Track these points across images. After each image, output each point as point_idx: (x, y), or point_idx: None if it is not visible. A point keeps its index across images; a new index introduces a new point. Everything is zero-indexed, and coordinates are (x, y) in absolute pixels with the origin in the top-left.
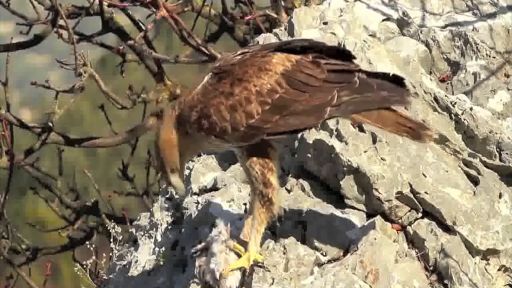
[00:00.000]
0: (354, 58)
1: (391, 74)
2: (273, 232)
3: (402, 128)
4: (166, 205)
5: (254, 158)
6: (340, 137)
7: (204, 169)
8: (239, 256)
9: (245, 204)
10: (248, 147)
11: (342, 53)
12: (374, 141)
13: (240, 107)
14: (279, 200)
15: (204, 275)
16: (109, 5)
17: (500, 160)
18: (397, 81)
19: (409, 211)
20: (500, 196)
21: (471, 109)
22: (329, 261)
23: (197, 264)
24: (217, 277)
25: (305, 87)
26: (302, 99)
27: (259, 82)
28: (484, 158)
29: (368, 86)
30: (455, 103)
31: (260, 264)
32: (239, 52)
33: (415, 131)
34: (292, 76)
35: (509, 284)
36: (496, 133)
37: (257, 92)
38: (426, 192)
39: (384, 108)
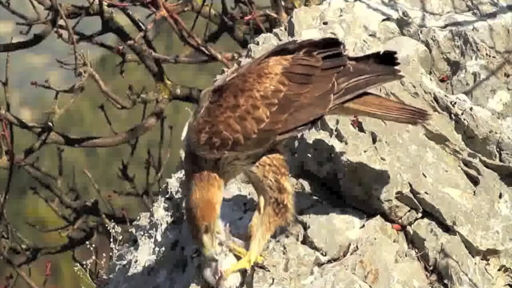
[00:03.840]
0: (341, 44)
1: (381, 52)
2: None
3: (405, 112)
4: (166, 205)
5: (267, 167)
6: (340, 137)
7: None
8: (238, 257)
9: (245, 204)
10: (259, 158)
11: (328, 43)
12: (374, 141)
13: (248, 115)
14: (293, 206)
15: (204, 276)
16: (109, 5)
17: (500, 160)
18: (389, 57)
19: (409, 211)
20: (500, 196)
21: (471, 109)
22: (329, 261)
23: (196, 264)
24: (217, 277)
25: (306, 78)
26: (306, 91)
27: (262, 87)
28: (484, 158)
29: (361, 70)
30: (455, 103)
31: (260, 265)
32: (229, 71)
33: (418, 113)
34: (292, 71)
35: (509, 284)
36: (496, 133)
37: (262, 97)
38: (426, 192)
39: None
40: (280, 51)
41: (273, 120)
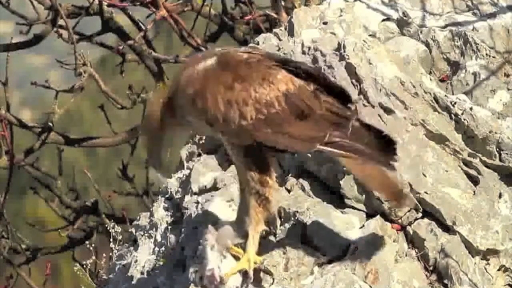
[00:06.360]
0: (352, 101)
1: (384, 133)
2: (273, 232)
3: (386, 191)
4: (166, 205)
5: (251, 158)
6: None
7: (204, 169)
8: (236, 257)
9: None
10: (244, 147)
11: (342, 93)
12: None
13: (235, 104)
14: (276, 198)
15: (202, 280)
16: (109, 5)
17: (500, 160)
18: (389, 141)
19: (409, 211)
20: (500, 196)
21: (471, 109)
22: (329, 261)
23: (192, 269)
24: (216, 281)
25: (302, 115)
26: (296, 125)
27: (259, 90)
28: (484, 158)
29: (359, 136)
30: (455, 103)
31: (261, 268)
32: (243, 49)
33: (397, 196)
34: (292, 100)
35: (509, 284)
36: (496, 133)
37: (255, 98)
38: (426, 192)
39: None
40: (291, 70)
41: (256, 126)
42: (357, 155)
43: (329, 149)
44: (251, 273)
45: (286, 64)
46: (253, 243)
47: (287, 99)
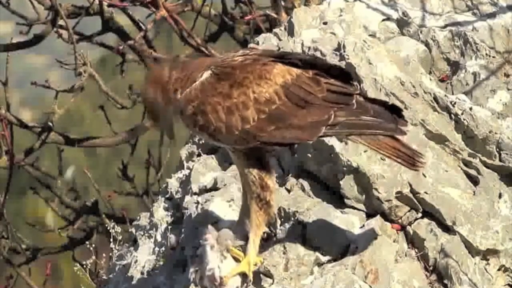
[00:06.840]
0: (354, 80)
1: (389, 103)
2: (273, 232)
3: (397, 154)
4: (166, 205)
5: (252, 162)
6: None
7: (204, 169)
8: (236, 259)
9: None
10: (245, 151)
11: (342, 73)
12: None
13: (236, 111)
14: (276, 202)
15: (202, 280)
16: (109, 5)
17: (500, 160)
18: (395, 110)
19: (409, 211)
20: (500, 196)
21: (470, 109)
22: (329, 261)
23: (192, 269)
24: (216, 281)
25: (303, 102)
26: (299, 113)
27: (258, 90)
28: (484, 158)
29: (365, 110)
30: (455, 103)
31: (261, 271)
32: (240, 53)
33: (410, 158)
34: (291, 90)
35: (509, 284)
36: (496, 133)
37: (254, 99)
38: (426, 192)
39: (378, 134)
40: (289, 62)
41: (259, 126)
42: (365, 130)
43: (335, 130)
44: (250, 276)
45: (283, 58)
46: (253, 246)
47: (286, 90)
